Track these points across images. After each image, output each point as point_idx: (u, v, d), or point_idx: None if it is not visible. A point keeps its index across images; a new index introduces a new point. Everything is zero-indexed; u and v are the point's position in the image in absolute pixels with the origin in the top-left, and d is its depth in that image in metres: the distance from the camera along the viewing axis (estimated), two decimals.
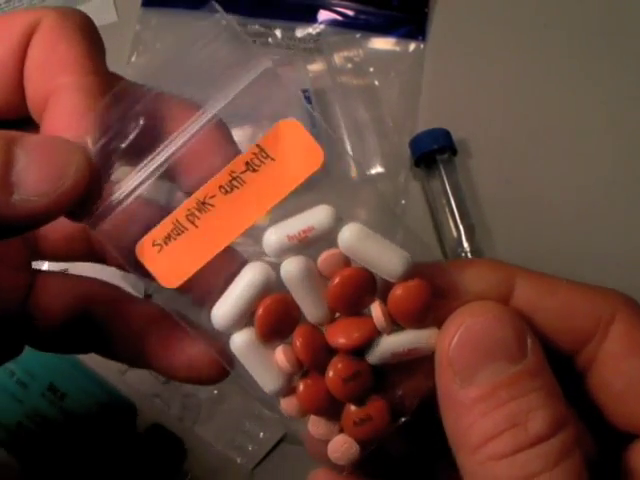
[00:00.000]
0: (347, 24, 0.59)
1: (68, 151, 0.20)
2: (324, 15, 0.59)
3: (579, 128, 0.56)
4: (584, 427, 0.23)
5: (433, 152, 0.53)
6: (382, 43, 0.59)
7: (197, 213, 0.21)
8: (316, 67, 0.57)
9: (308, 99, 0.55)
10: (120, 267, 0.26)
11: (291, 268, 0.21)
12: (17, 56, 0.23)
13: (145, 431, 0.48)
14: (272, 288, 0.22)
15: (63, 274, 0.26)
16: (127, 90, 0.21)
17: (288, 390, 0.22)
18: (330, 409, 0.23)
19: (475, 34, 0.58)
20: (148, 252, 0.21)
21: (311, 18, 0.59)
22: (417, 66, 0.58)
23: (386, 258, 0.21)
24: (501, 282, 0.23)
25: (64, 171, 0.20)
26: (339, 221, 0.21)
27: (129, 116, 0.21)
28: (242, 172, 0.21)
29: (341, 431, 0.23)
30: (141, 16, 0.59)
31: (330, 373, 0.22)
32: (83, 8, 0.67)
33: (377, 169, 0.54)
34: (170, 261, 0.21)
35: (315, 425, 0.23)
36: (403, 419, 0.23)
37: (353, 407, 0.22)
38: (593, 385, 0.23)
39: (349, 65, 0.57)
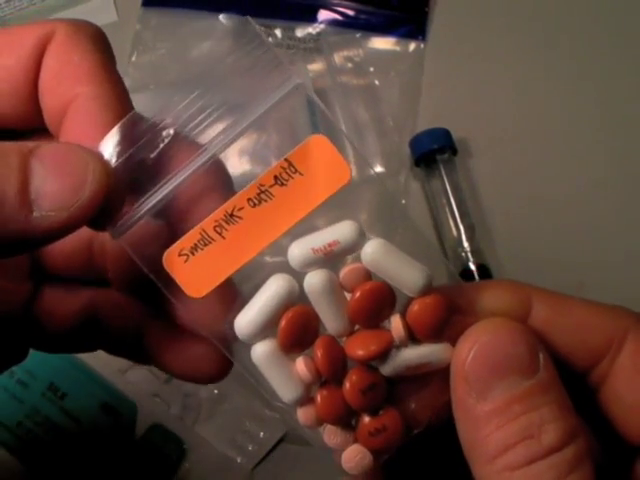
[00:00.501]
0: (347, 24, 0.59)
1: (85, 159, 0.20)
2: (324, 15, 0.59)
3: (579, 128, 0.56)
4: (596, 440, 0.24)
5: (433, 152, 0.53)
6: (382, 43, 0.59)
7: (225, 225, 0.22)
8: (316, 67, 0.57)
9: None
10: (122, 287, 0.26)
11: (315, 281, 0.22)
12: (31, 67, 0.23)
13: (145, 431, 0.48)
14: (295, 300, 0.22)
15: (69, 282, 0.26)
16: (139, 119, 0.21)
17: (306, 400, 0.23)
18: (346, 419, 0.23)
19: (475, 34, 0.58)
20: (174, 262, 0.22)
21: (311, 18, 0.59)
22: (417, 66, 0.58)
23: (407, 273, 0.22)
24: (519, 302, 0.24)
25: (82, 181, 0.20)
26: (363, 236, 0.22)
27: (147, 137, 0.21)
28: (270, 186, 0.22)
29: (355, 441, 0.23)
30: (141, 16, 0.59)
31: (347, 384, 0.22)
32: (83, 8, 0.67)
33: (377, 169, 0.54)
34: (196, 271, 0.22)
35: (331, 435, 0.23)
36: (416, 431, 0.24)
37: (368, 418, 0.23)
38: (606, 399, 0.24)
39: (349, 65, 0.57)
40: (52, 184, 0.19)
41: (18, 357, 0.26)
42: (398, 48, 0.58)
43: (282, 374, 0.22)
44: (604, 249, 0.52)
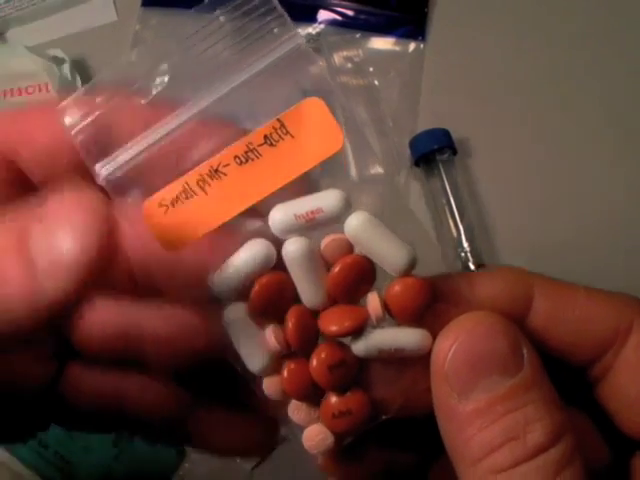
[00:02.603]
0: (347, 24, 0.59)
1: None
2: (324, 15, 0.59)
3: (579, 127, 0.56)
4: (594, 434, 0.24)
5: (433, 152, 0.53)
6: (382, 43, 0.59)
7: (209, 180, 0.21)
8: (316, 67, 0.57)
9: None
10: (164, 373, 0.25)
11: (293, 248, 0.21)
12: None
13: None
14: (271, 266, 0.21)
15: (94, 364, 0.25)
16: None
17: (272, 371, 0.22)
18: (312, 396, 0.22)
19: (475, 34, 0.58)
20: (153, 212, 0.21)
21: (311, 18, 0.59)
22: (417, 66, 0.58)
23: (391, 251, 0.21)
24: (518, 293, 0.23)
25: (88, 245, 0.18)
26: (348, 207, 0.21)
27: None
28: (259, 145, 0.21)
29: (319, 419, 0.23)
30: (141, 16, 0.59)
31: (314, 359, 0.21)
32: (83, 8, 0.67)
33: (377, 169, 0.54)
34: (174, 224, 0.21)
35: (295, 410, 0.22)
36: (384, 417, 0.23)
37: (334, 398, 0.22)
38: (607, 392, 0.23)
39: (349, 65, 0.57)
40: (55, 263, 0.18)
41: (39, 429, 0.26)
42: (398, 48, 0.58)
43: (251, 341, 0.21)
44: (605, 248, 0.52)
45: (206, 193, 0.21)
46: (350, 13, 0.59)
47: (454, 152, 0.53)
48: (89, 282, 0.19)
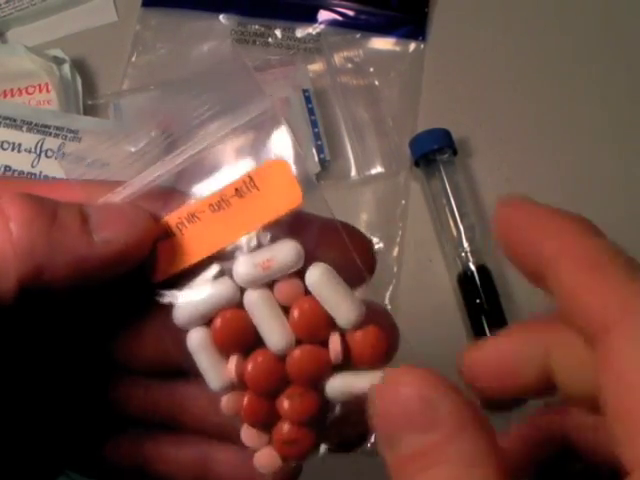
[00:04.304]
0: (347, 24, 0.59)
1: (134, 210, 0.23)
2: (324, 15, 0.59)
3: (579, 127, 0.56)
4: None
5: (433, 152, 0.53)
6: (382, 43, 0.59)
7: (186, 223, 0.24)
8: (316, 67, 0.57)
9: (308, 99, 0.55)
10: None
11: (250, 298, 0.23)
12: None
13: None
14: (234, 304, 0.23)
15: (181, 434, 0.26)
16: None
17: (231, 389, 0.24)
18: (266, 425, 0.24)
19: (475, 34, 0.58)
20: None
21: (311, 18, 0.59)
22: (417, 66, 0.58)
23: (344, 304, 0.23)
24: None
25: (134, 220, 0.23)
26: (301, 257, 0.23)
27: None
28: (231, 196, 0.24)
29: (270, 442, 0.24)
30: (141, 16, 0.59)
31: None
32: (83, 8, 0.67)
33: (377, 169, 0.54)
34: (155, 258, 0.24)
35: (247, 433, 0.24)
36: (326, 448, 0.24)
37: (285, 427, 0.23)
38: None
39: (349, 65, 0.57)
40: (108, 220, 0.22)
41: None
42: (398, 48, 0.58)
43: (213, 363, 0.23)
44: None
45: (182, 234, 0.24)
46: (350, 13, 0.59)
47: (454, 152, 0.53)
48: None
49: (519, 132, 0.56)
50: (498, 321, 0.49)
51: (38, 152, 0.52)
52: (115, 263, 0.22)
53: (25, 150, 0.52)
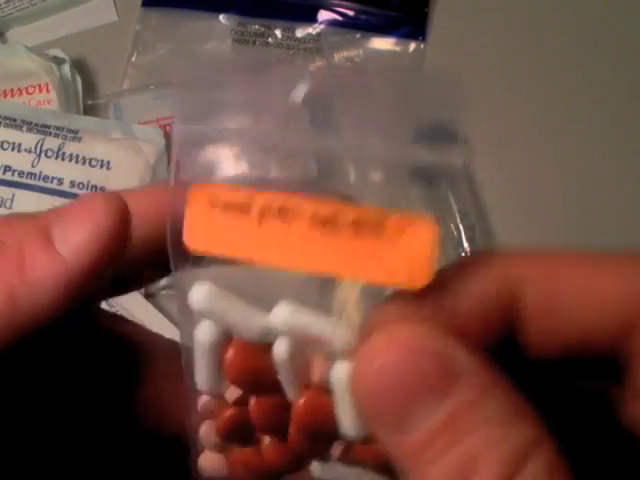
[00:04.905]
0: (347, 24, 0.59)
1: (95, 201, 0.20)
2: (324, 15, 0.59)
3: (579, 127, 0.56)
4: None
5: None
6: (382, 43, 0.59)
7: (271, 214, 0.18)
8: (316, 67, 0.57)
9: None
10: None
11: (280, 349, 0.18)
12: None
13: None
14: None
15: None
16: None
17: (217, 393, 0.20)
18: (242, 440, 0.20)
19: (475, 34, 0.58)
20: (200, 199, 0.18)
21: (311, 18, 0.59)
22: (417, 66, 0.58)
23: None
24: (495, 303, 0.18)
25: (98, 215, 0.19)
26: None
27: None
28: (345, 222, 0.18)
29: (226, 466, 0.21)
30: (141, 16, 0.59)
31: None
32: (83, 8, 0.67)
33: (377, 169, 0.54)
34: (208, 226, 0.18)
35: (207, 459, 0.21)
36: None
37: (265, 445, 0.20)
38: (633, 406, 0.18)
39: (349, 65, 0.57)
40: (68, 227, 0.19)
41: None
42: (398, 48, 0.58)
43: (211, 365, 0.19)
44: (606, 249, 0.52)
45: (259, 224, 0.18)
46: (350, 13, 0.59)
47: None
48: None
49: (519, 132, 0.56)
50: None
51: (38, 152, 0.52)
52: (94, 269, 0.20)
53: (25, 150, 0.52)
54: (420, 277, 0.17)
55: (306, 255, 0.18)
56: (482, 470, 0.15)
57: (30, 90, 0.55)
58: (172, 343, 0.23)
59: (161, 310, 0.52)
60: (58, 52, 0.56)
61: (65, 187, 0.52)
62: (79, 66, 0.57)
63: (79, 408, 0.24)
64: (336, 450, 0.19)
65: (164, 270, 0.22)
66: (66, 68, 0.55)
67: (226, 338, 0.19)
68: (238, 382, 0.19)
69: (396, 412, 0.16)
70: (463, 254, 0.51)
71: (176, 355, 0.22)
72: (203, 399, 0.21)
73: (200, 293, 0.19)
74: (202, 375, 0.20)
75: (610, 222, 0.53)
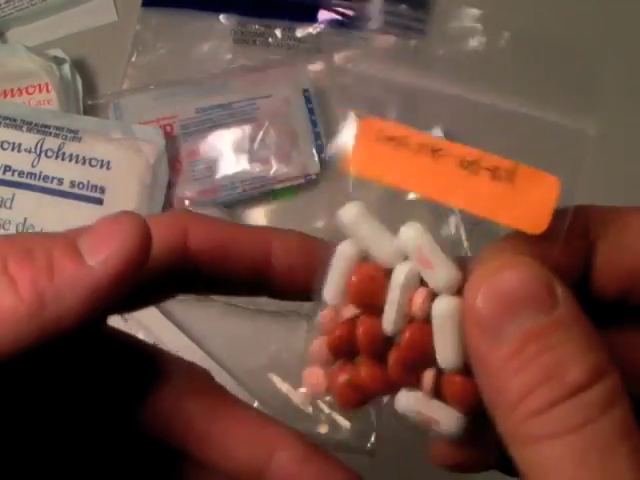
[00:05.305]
0: (347, 24, 0.59)
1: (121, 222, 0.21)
2: (324, 15, 0.59)
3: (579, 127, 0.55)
4: None
5: None
6: (382, 43, 0.59)
7: (426, 150, 0.22)
8: (316, 67, 0.57)
9: (308, 99, 0.55)
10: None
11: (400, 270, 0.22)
12: None
13: None
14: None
15: None
16: None
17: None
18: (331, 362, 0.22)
19: (475, 34, 0.58)
20: (368, 129, 0.22)
21: (311, 18, 0.59)
22: (418, 65, 0.57)
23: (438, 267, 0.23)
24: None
25: (124, 234, 0.21)
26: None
27: None
28: (485, 168, 0.22)
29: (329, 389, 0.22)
30: (141, 16, 0.59)
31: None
32: (83, 8, 0.67)
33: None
34: (371, 155, 0.22)
35: (311, 374, 0.23)
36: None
37: (362, 370, 0.22)
38: None
39: (349, 65, 0.57)
40: (99, 241, 0.21)
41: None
42: (398, 47, 0.58)
43: (342, 276, 0.22)
44: None
45: (414, 154, 0.22)
46: (350, 13, 0.59)
47: None
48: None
49: (519, 132, 0.56)
50: None
51: (38, 152, 0.52)
52: (119, 279, 0.21)
53: (25, 150, 0.52)
54: (541, 224, 0.20)
55: (450, 189, 0.22)
56: (568, 373, 0.18)
57: (30, 90, 0.55)
58: (188, 364, 0.26)
59: (166, 315, 0.52)
60: (58, 52, 0.56)
61: (65, 187, 0.52)
62: (79, 66, 0.57)
63: (81, 413, 0.24)
64: (427, 381, 0.21)
65: (171, 291, 0.26)
66: (66, 68, 0.55)
67: (360, 260, 0.22)
68: (357, 301, 0.22)
69: (495, 322, 0.19)
70: (463, 253, 0.51)
71: (190, 375, 0.25)
72: (321, 315, 0.23)
73: (351, 210, 0.23)
74: (330, 288, 0.22)
75: None
